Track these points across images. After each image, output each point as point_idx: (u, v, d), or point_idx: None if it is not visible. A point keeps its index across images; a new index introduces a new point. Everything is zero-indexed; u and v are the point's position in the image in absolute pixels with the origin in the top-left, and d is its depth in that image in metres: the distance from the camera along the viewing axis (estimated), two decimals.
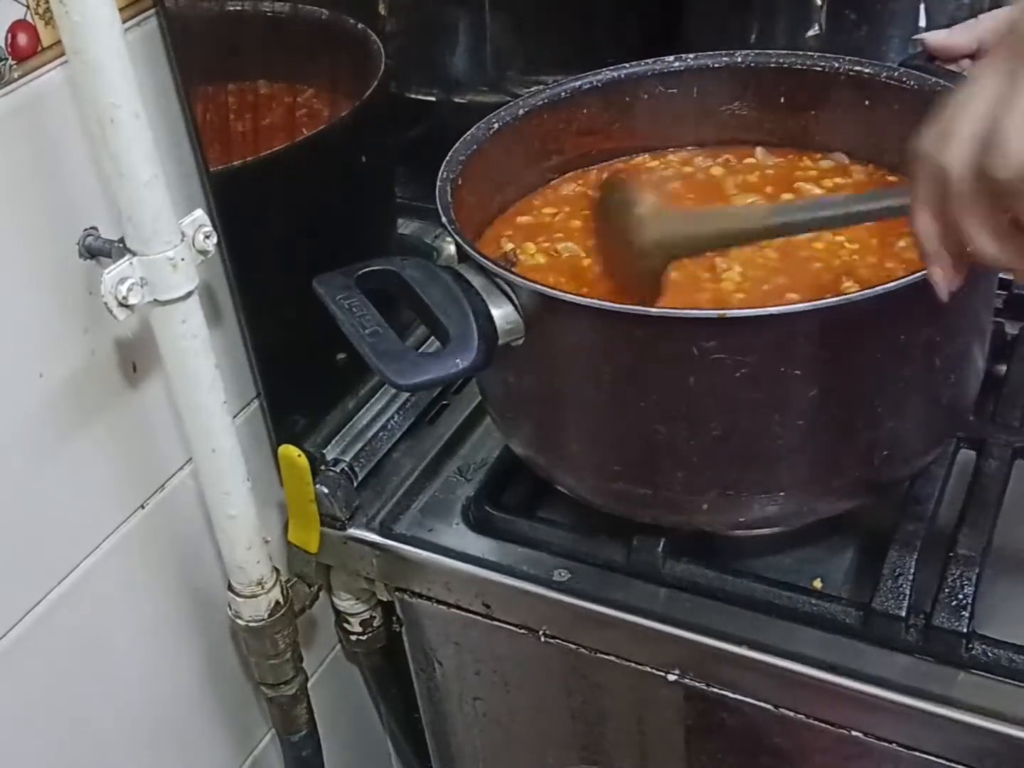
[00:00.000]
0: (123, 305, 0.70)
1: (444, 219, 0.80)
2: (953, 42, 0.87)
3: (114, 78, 0.65)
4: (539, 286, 0.75)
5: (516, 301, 0.75)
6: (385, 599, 0.97)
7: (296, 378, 0.93)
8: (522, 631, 0.86)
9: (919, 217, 0.60)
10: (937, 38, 0.88)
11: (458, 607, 0.88)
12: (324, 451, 0.94)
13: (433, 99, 1.18)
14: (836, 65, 0.91)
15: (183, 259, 0.72)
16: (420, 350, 0.87)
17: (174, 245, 0.71)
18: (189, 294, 0.73)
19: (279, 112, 0.90)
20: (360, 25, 0.99)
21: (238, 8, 0.86)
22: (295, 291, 0.79)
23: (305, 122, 0.93)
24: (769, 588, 0.80)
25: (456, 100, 1.18)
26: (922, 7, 1.11)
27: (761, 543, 0.85)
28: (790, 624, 0.79)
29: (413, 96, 1.15)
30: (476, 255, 0.76)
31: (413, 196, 1.11)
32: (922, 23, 1.12)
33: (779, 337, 0.70)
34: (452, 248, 1.02)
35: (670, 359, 0.72)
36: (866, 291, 0.68)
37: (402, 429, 0.97)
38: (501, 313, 0.75)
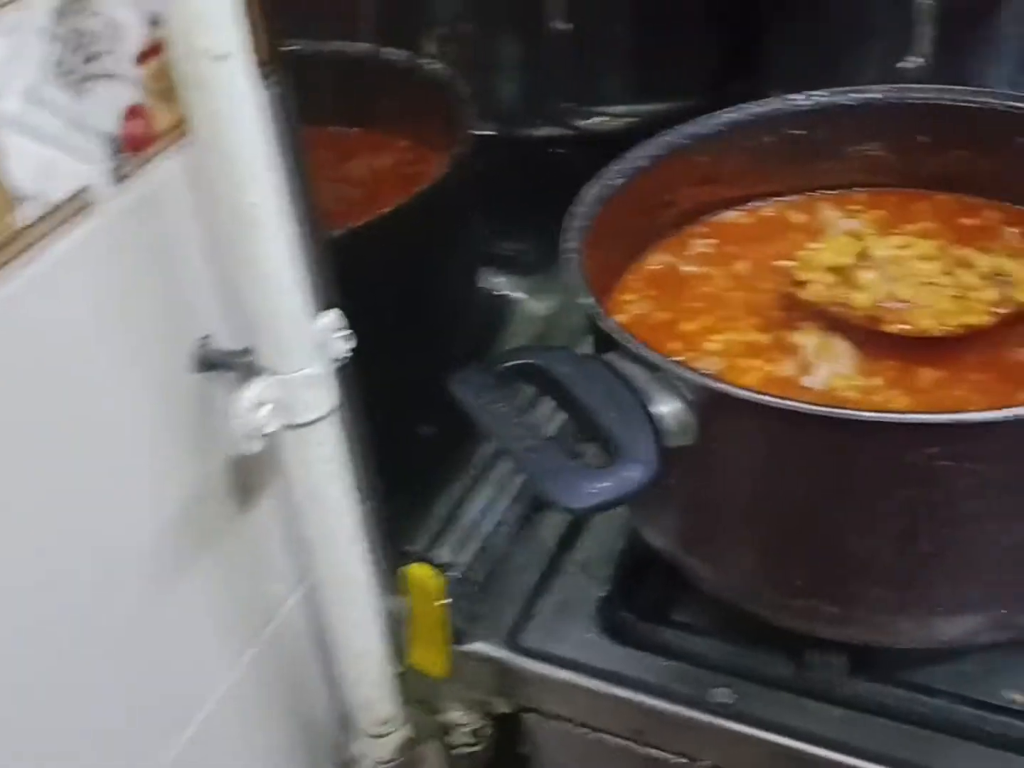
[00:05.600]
0: (256, 434, 0.59)
1: (584, 303, 0.70)
2: None
3: (254, 174, 0.54)
4: (718, 383, 0.66)
5: (687, 398, 0.65)
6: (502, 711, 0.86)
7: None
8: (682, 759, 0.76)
9: None
10: None
11: (601, 730, 0.79)
12: (432, 553, 0.84)
13: (494, 133, 1.10)
14: (991, 101, 0.82)
15: (322, 373, 0.61)
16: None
17: (313, 358, 0.61)
18: (330, 413, 0.62)
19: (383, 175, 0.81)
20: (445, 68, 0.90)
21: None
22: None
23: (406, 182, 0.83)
24: (974, 711, 0.71)
25: (514, 133, 1.12)
26: None
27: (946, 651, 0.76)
28: (1001, 752, 0.70)
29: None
30: (641, 349, 0.66)
31: None
32: None
33: (1017, 442, 0.61)
34: (534, 304, 0.93)
35: (881, 467, 0.63)
36: None
37: (517, 522, 0.87)
38: (669, 411, 0.65)
